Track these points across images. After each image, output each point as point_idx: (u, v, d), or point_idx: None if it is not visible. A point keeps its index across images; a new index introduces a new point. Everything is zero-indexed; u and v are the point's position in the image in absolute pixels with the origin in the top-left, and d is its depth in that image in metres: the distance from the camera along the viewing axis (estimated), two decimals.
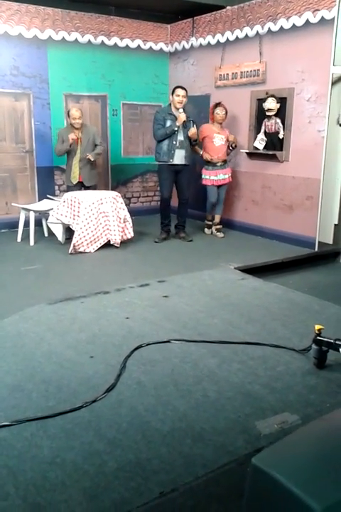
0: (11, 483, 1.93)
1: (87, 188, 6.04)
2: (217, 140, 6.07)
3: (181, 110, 5.68)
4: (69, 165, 5.97)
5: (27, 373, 2.77)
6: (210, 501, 1.86)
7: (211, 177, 6.17)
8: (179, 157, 5.80)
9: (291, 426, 2.30)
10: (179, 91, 5.73)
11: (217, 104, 6.12)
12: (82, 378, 2.72)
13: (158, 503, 1.84)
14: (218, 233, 6.37)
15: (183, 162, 5.84)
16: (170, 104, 5.89)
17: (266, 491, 1.19)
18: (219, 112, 6.06)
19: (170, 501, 1.86)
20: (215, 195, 6.25)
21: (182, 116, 5.65)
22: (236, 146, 6.20)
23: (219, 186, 6.24)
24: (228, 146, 6.16)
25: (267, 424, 2.32)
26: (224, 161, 6.19)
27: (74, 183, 5.98)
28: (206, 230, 6.50)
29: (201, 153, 6.12)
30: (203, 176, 6.24)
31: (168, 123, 5.73)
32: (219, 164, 6.13)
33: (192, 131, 5.79)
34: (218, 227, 6.40)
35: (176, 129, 5.69)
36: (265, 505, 1.20)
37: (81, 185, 6.02)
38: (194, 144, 5.97)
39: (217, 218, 6.41)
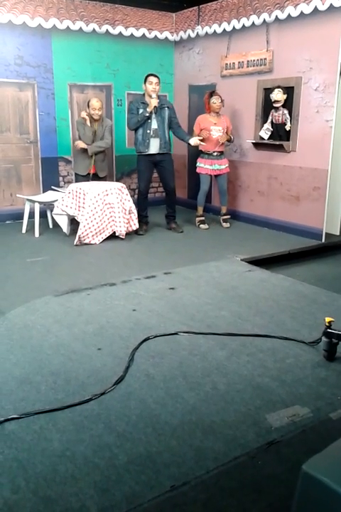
0: (21, 476, 1.92)
1: (99, 178, 6.02)
2: (214, 132, 6.00)
3: (154, 96, 5.56)
4: (82, 154, 5.92)
5: (35, 366, 2.75)
6: (223, 495, 1.84)
7: (206, 165, 6.12)
8: (154, 146, 5.71)
9: (302, 419, 2.29)
10: (151, 78, 5.60)
11: (212, 93, 6.04)
12: (90, 370, 2.71)
13: (170, 497, 1.83)
14: (224, 224, 6.32)
15: (159, 151, 5.74)
16: (144, 94, 5.74)
17: (317, 498, 1.18)
18: (215, 100, 5.98)
19: (181, 495, 1.84)
20: (208, 184, 6.21)
21: (153, 102, 5.54)
22: (230, 140, 6.14)
23: (215, 177, 6.20)
24: (228, 135, 6.07)
25: (278, 417, 2.30)
26: (221, 152, 6.13)
27: (86, 173, 5.94)
28: (201, 226, 6.24)
29: (201, 144, 5.97)
30: (198, 164, 6.19)
31: (141, 111, 5.62)
32: (215, 154, 6.07)
33: (195, 142, 5.76)
34: (225, 217, 6.35)
35: (147, 114, 5.58)
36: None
37: (91, 176, 5.98)
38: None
39: (224, 209, 6.36)
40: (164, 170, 5.89)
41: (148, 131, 5.66)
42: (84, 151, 5.87)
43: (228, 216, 6.37)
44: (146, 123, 5.65)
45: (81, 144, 5.82)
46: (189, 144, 5.90)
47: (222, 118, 6.09)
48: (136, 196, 6.34)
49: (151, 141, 5.69)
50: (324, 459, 1.28)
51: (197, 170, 6.21)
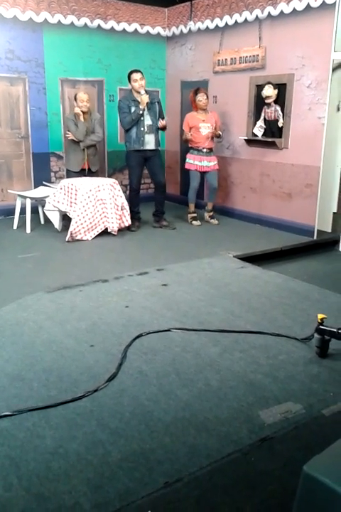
0: (14, 473, 1.91)
1: (92, 173, 5.99)
2: (203, 129, 5.99)
3: (143, 92, 5.54)
4: (75, 150, 5.88)
5: (27, 362, 2.73)
6: (216, 491, 1.85)
7: (195, 162, 6.11)
8: (150, 142, 5.70)
9: (295, 415, 2.30)
10: (135, 75, 5.57)
11: (197, 91, 6.01)
12: (82, 367, 2.70)
13: (163, 494, 1.83)
14: (212, 220, 6.32)
15: (153, 147, 5.73)
16: (131, 91, 5.70)
17: (318, 498, 1.19)
18: (201, 98, 5.96)
19: (175, 491, 1.84)
20: (198, 180, 6.20)
21: (144, 98, 5.52)
22: (219, 136, 6.13)
23: (204, 173, 6.19)
24: (217, 132, 6.06)
25: (271, 414, 2.30)
26: (210, 149, 6.12)
27: (79, 169, 5.91)
28: (193, 222, 6.23)
29: (188, 138, 5.99)
30: (187, 160, 6.19)
31: (133, 109, 5.59)
32: (204, 150, 6.07)
33: (162, 123, 5.67)
34: (211, 214, 6.34)
35: (141, 112, 5.56)
36: None
37: (84, 172, 5.95)
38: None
39: (210, 205, 6.35)
40: (154, 165, 5.86)
41: (142, 128, 5.63)
42: (76, 146, 5.83)
43: (212, 212, 6.34)
44: (139, 120, 5.62)
45: (72, 136, 5.79)
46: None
47: (209, 114, 6.08)
48: (127, 192, 6.31)
49: (146, 137, 5.66)
50: (325, 459, 1.28)
51: (186, 166, 6.21)
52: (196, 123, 5.98)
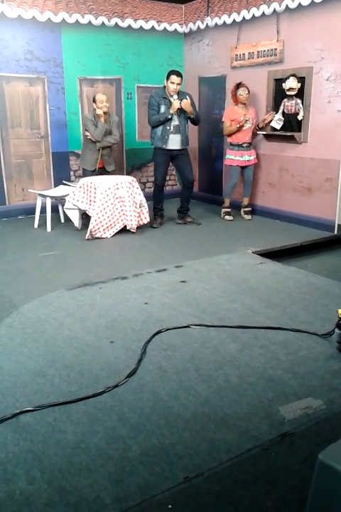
0: (36, 467, 1.94)
1: (108, 173, 6.04)
2: (247, 123, 5.97)
3: (175, 97, 5.51)
4: (90, 149, 5.93)
5: (49, 359, 2.78)
6: (236, 487, 1.85)
7: (236, 157, 6.10)
8: (174, 142, 5.67)
9: (315, 411, 2.28)
10: (174, 78, 5.50)
11: (239, 85, 5.98)
12: (103, 363, 2.73)
13: (183, 488, 1.84)
14: (245, 215, 6.31)
15: (179, 147, 5.70)
16: (164, 87, 5.66)
17: (333, 486, 1.18)
18: (242, 92, 5.93)
19: (195, 486, 1.85)
20: (237, 176, 6.18)
21: (175, 104, 5.47)
22: (263, 127, 6.08)
23: (243, 168, 6.17)
24: (257, 126, 6.06)
25: (291, 410, 2.29)
26: (250, 143, 6.11)
27: (94, 168, 5.95)
28: (226, 217, 6.26)
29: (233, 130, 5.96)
30: (227, 157, 6.18)
31: (162, 109, 5.58)
32: (245, 145, 6.06)
33: (185, 102, 5.50)
34: (247, 209, 6.33)
35: (170, 116, 5.54)
36: (332, 500, 1.19)
37: (100, 171, 6.00)
38: (190, 118, 5.72)
39: (245, 201, 6.34)
40: (182, 163, 5.85)
41: (169, 128, 5.63)
42: (92, 146, 5.88)
43: (249, 208, 6.34)
44: (167, 119, 5.62)
45: (90, 136, 5.84)
46: (189, 118, 5.73)
47: (249, 109, 6.06)
48: (152, 189, 6.30)
49: (170, 137, 5.65)
50: (339, 448, 1.28)
51: (227, 162, 6.21)
52: (237, 117, 5.95)
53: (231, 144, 6.12)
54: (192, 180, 5.96)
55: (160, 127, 5.65)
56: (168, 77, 5.58)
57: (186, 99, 5.58)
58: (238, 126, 5.92)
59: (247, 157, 6.10)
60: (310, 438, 2.11)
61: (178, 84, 5.53)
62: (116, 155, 7.07)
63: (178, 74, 5.56)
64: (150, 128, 5.78)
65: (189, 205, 6.08)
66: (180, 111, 5.60)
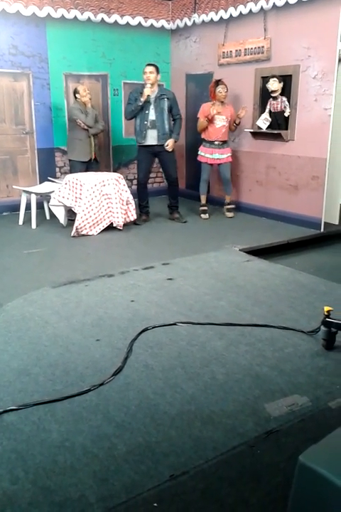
0: (20, 467, 1.91)
1: (97, 164, 6.08)
2: (218, 121, 5.96)
3: (148, 85, 5.50)
4: (81, 139, 5.91)
5: (33, 357, 2.74)
6: (221, 484, 1.84)
7: (206, 154, 6.10)
8: (152, 137, 5.64)
9: (301, 408, 2.29)
10: (146, 68, 5.58)
11: (218, 82, 5.97)
12: (88, 361, 2.70)
13: (169, 486, 1.83)
14: (227, 213, 6.30)
15: (156, 142, 5.66)
16: (144, 83, 5.66)
17: (313, 488, 1.18)
18: (221, 90, 5.92)
19: (180, 484, 1.84)
20: (208, 173, 6.20)
21: (145, 91, 5.48)
22: (239, 123, 6.07)
23: (218, 165, 6.16)
24: (233, 122, 6.05)
25: (276, 407, 2.30)
26: (224, 142, 6.10)
27: (88, 158, 5.96)
28: (202, 215, 6.23)
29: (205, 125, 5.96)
30: (199, 153, 6.18)
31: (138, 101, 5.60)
32: (217, 143, 6.05)
33: (170, 143, 5.63)
34: (229, 207, 6.32)
35: (140, 104, 5.53)
36: (313, 503, 1.19)
37: (92, 163, 6.01)
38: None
39: (228, 198, 6.32)
40: (165, 160, 5.83)
41: (145, 122, 5.61)
42: (82, 135, 5.88)
43: (232, 206, 6.34)
44: (144, 114, 5.60)
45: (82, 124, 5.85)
46: (211, 119, 5.79)
47: (226, 107, 6.04)
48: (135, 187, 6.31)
49: (148, 132, 5.64)
50: (320, 449, 1.28)
51: (198, 158, 6.19)
52: (210, 113, 5.92)
53: (204, 141, 6.12)
54: (175, 177, 5.93)
55: (138, 122, 5.65)
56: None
57: (166, 104, 5.61)
58: (207, 120, 5.89)
59: (218, 155, 6.08)
60: (296, 435, 2.11)
61: (150, 72, 5.52)
62: (103, 151, 7.02)
63: (149, 64, 5.61)
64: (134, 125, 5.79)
65: (177, 202, 6.06)
66: (157, 105, 5.57)
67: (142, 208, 6.00)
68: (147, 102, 5.57)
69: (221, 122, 5.98)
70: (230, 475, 1.90)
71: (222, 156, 6.11)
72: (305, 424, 2.19)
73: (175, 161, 5.91)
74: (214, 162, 6.13)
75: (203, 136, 6.10)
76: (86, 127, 5.85)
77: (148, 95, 5.52)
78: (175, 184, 5.98)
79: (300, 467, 1.21)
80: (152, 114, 5.61)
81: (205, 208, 6.28)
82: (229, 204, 6.32)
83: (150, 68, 5.56)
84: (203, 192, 6.27)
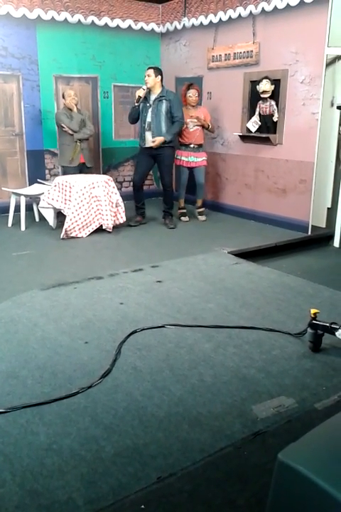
0: (7, 470, 1.91)
1: (88, 168, 6.04)
2: (190, 125, 5.99)
3: (144, 87, 5.54)
4: (68, 145, 5.92)
5: (21, 360, 2.74)
6: (209, 485, 1.86)
7: (182, 157, 6.13)
8: (148, 140, 5.66)
9: (287, 409, 2.31)
10: (146, 71, 5.63)
11: (190, 86, 5.99)
12: (76, 364, 2.70)
13: (156, 488, 1.84)
14: (200, 216, 6.32)
15: (151, 145, 5.64)
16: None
17: (292, 486, 1.18)
18: (192, 94, 5.94)
19: (168, 486, 1.85)
20: (185, 177, 6.22)
21: (137, 92, 5.55)
22: (209, 128, 6.09)
23: (192, 169, 6.18)
24: (207, 125, 6.06)
25: (263, 408, 2.32)
26: (199, 145, 6.12)
27: (78, 163, 5.95)
28: (182, 218, 6.24)
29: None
30: (176, 156, 6.19)
31: (141, 106, 5.63)
32: (192, 146, 6.08)
33: (157, 140, 5.56)
34: (200, 210, 6.34)
35: (134, 105, 5.61)
36: (292, 501, 1.20)
37: (80, 167, 5.99)
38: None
39: (199, 202, 6.35)
40: (160, 164, 5.83)
41: (143, 125, 5.65)
42: (70, 141, 5.87)
43: (202, 209, 6.35)
44: (143, 116, 5.64)
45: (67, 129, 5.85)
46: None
47: (198, 110, 6.07)
48: (128, 188, 6.31)
49: (146, 135, 5.66)
50: (299, 447, 1.29)
51: (175, 162, 6.21)
52: (185, 118, 5.93)
53: (180, 144, 6.15)
54: (167, 182, 5.89)
55: (139, 124, 5.71)
56: None
57: (163, 106, 5.59)
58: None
59: (193, 158, 6.10)
60: (282, 436, 2.13)
61: (148, 75, 5.55)
62: (93, 154, 7.01)
63: (150, 68, 5.64)
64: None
65: (169, 207, 5.99)
66: (155, 107, 5.58)
67: (137, 209, 6.02)
68: (146, 104, 5.59)
69: (194, 126, 6.00)
70: (217, 476, 1.91)
71: (197, 159, 6.12)
72: (291, 425, 2.21)
73: (168, 166, 5.85)
74: (190, 165, 6.15)
75: (180, 139, 6.11)
76: (71, 132, 5.83)
77: (140, 96, 5.54)
78: (168, 189, 5.94)
79: (279, 465, 1.22)
80: (149, 117, 5.62)
81: (184, 210, 6.32)
82: (199, 207, 6.34)
83: (148, 71, 5.58)
84: (181, 195, 6.30)
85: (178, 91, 7.11)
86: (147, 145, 5.69)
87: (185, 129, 6.00)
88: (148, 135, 5.65)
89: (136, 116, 5.75)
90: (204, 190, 6.34)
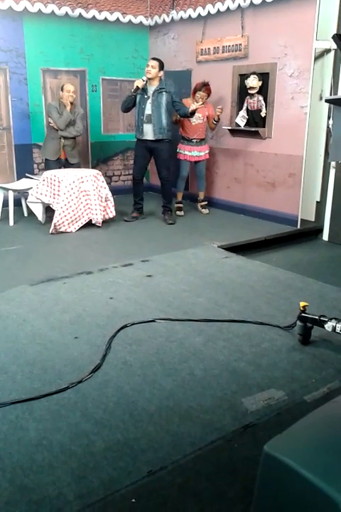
0: None
1: (70, 165, 5.96)
2: (193, 118, 5.97)
3: (144, 78, 5.51)
4: (52, 138, 5.86)
5: (11, 355, 2.72)
6: (199, 478, 1.87)
7: (185, 152, 6.13)
8: (148, 132, 5.60)
9: (277, 402, 2.33)
10: (149, 61, 5.62)
11: (201, 88, 5.88)
12: (66, 359, 2.69)
13: (147, 482, 1.84)
14: (203, 210, 6.35)
15: (152, 137, 5.60)
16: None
17: (278, 478, 1.19)
18: (200, 97, 5.83)
19: (158, 480, 1.86)
20: (186, 170, 6.23)
21: (136, 82, 5.52)
22: (218, 120, 6.09)
23: (195, 163, 6.21)
24: (213, 120, 6.07)
25: (253, 401, 2.33)
26: (201, 139, 6.13)
27: (56, 157, 5.87)
28: (177, 212, 6.22)
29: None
30: (178, 150, 6.19)
31: (138, 97, 5.58)
32: (194, 141, 6.09)
33: (193, 107, 5.50)
34: (203, 203, 6.38)
35: (130, 95, 5.57)
36: (278, 492, 1.20)
37: (62, 163, 5.93)
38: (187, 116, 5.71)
39: (201, 195, 6.39)
40: (157, 157, 5.77)
41: (142, 117, 5.58)
42: (54, 134, 5.83)
43: (205, 202, 6.39)
44: (141, 108, 5.58)
45: (53, 124, 5.80)
46: (192, 113, 5.61)
47: (204, 106, 6.04)
48: (117, 183, 6.24)
49: (145, 127, 5.59)
50: (285, 439, 1.30)
51: (178, 156, 6.21)
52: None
53: (182, 138, 6.14)
54: (165, 175, 5.80)
55: (136, 116, 5.64)
56: None
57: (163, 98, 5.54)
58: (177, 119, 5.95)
59: (196, 153, 6.13)
60: (272, 429, 2.14)
61: (152, 66, 5.49)
62: (81, 148, 6.97)
63: (154, 59, 5.61)
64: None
65: (167, 202, 5.91)
66: (155, 99, 5.54)
67: (135, 203, 5.98)
68: (144, 96, 5.54)
69: (197, 120, 6.00)
70: (208, 469, 1.92)
71: (200, 153, 6.15)
72: (281, 417, 2.23)
73: (166, 160, 5.75)
74: (193, 159, 6.17)
75: (182, 133, 6.12)
76: (56, 127, 5.78)
77: (138, 87, 5.48)
78: (165, 183, 5.86)
79: (265, 456, 1.23)
80: (148, 109, 5.55)
81: (181, 204, 6.30)
82: (202, 201, 6.38)
83: (153, 62, 5.53)
84: (180, 189, 6.30)
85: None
86: (144, 137, 5.64)
87: (188, 123, 5.98)
88: (148, 127, 5.60)
89: (130, 106, 5.68)
90: (205, 182, 6.36)
